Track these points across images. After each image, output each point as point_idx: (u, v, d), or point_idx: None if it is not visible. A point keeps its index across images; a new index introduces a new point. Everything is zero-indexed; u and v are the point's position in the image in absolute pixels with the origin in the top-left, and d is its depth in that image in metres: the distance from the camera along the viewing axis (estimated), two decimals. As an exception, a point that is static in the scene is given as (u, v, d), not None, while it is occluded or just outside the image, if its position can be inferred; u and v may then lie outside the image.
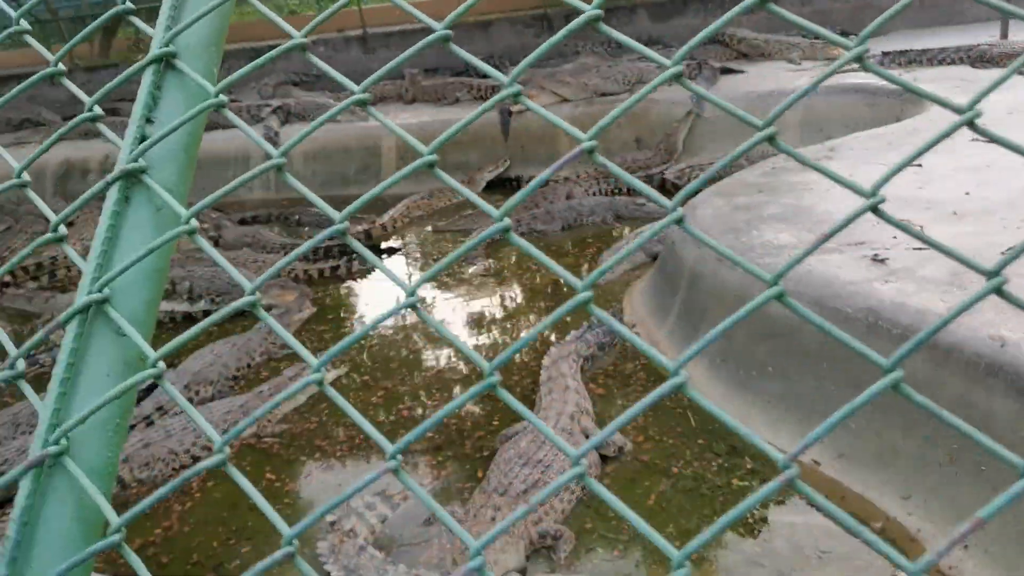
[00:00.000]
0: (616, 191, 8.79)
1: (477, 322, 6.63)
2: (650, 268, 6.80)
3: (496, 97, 1.17)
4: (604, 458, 4.73)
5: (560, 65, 11.08)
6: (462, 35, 11.34)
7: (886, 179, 0.86)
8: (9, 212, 10.11)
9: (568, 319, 6.41)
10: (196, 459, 5.10)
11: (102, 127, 1.36)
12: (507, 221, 1.05)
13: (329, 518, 4.30)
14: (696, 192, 1.18)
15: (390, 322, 6.74)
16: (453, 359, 6.05)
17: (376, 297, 7.43)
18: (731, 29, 11.16)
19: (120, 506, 4.72)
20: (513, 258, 7.73)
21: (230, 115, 1.25)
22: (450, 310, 6.88)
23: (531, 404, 5.37)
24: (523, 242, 1.08)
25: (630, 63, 10.58)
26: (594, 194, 8.78)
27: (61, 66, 1.28)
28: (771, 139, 0.94)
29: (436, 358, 6.09)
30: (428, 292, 7.17)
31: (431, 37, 1.11)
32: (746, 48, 10.72)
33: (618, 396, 5.36)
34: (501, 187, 9.21)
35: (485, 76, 11.15)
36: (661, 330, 5.81)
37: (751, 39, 10.85)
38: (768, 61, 10.19)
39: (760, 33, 11.00)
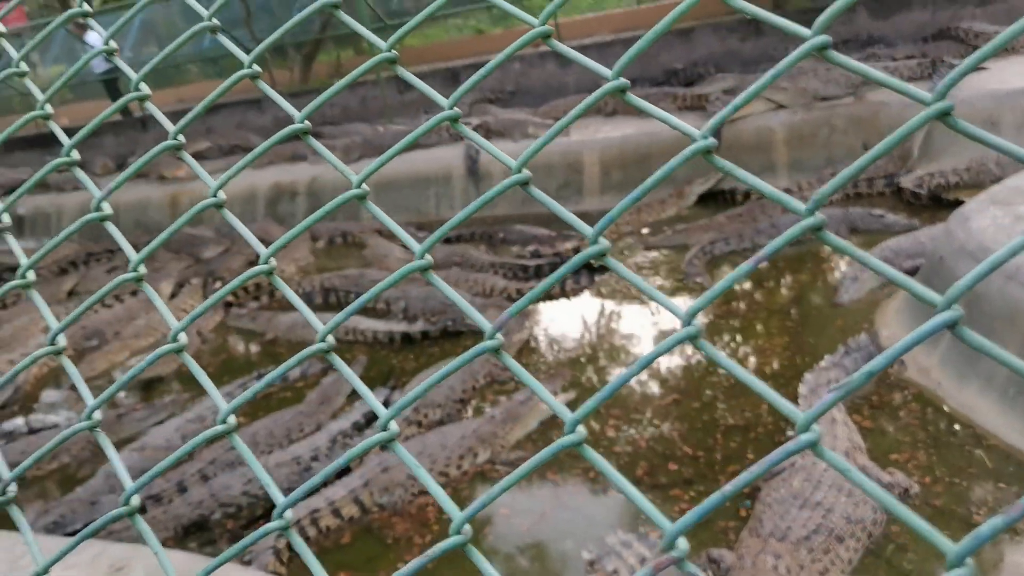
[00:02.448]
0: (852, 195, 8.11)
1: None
2: (905, 285, 6.11)
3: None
4: (890, 505, 4.17)
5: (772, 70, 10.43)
6: (659, 43, 10.92)
7: None
8: (226, 234, 10.56)
9: (812, 340, 5.85)
10: (432, 486, 4.92)
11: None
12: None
13: (587, 556, 3.98)
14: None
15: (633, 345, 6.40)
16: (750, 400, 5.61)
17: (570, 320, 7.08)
18: (966, 23, 10.15)
19: (363, 531, 4.63)
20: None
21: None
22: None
23: (784, 434, 4.87)
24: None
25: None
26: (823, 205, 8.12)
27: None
28: None
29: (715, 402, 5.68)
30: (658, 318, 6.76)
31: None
32: (983, 43, 9.67)
33: (889, 430, 4.76)
34: (713, 200, 8.69)
35: (690, 84, 10.67)
36: (931, 356, 5.13)
37: (989, 32, 9.80)
38: (1014, 56, 9.15)
39: (999, 26, 9.94)
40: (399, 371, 6.50)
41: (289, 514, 0.83)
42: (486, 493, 0.76)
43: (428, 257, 0.92)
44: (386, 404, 5.84)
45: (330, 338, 0.92)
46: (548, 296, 7.38)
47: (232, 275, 9.40)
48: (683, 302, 6.75)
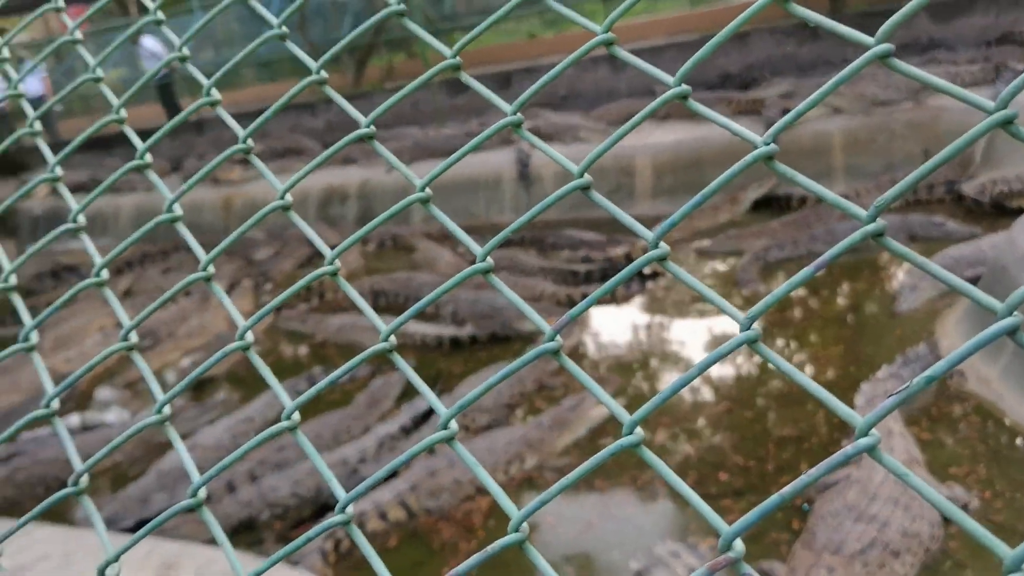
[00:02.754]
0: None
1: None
2: (964, 295, 5.97)
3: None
4: (947, 520, 4.07)
5: (829, 74, 10.30)
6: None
7: None
8: (277, 236, 10.72)
9: (868, 351, 5.75)
10: (480, 490, 4.94)
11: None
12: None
13: (635, 567, 3.96)
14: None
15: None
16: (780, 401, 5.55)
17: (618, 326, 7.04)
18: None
19: (409, 535, 4.66)
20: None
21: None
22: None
23: (838, 447, 4.78)
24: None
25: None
26: (876, 212, 7.97)
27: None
28: None
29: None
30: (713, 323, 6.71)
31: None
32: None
33: (948, 442, 4.65)
34: (768, 206, 8.58)
35: (745, 88, 10.56)
36: (992, 368, 5.01)
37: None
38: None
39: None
40: (447, 375, 6.53)
41: (351, 509, 0.85)
42: (544, 492, 0.77)
43: (489, 260, 0.93)
44: (432, 408, 5.88)
45: (392, 338, 0.94)
46: (598, 301, 7.35)
47: (283, 277, 9.55)
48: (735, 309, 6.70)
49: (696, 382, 5.80)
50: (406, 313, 0.93)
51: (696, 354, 6.21)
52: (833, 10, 11.23)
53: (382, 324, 0.95)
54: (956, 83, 7.87)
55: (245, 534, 4.96)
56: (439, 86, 13.06)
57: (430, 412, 5.83)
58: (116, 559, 0.93)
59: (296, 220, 1.09)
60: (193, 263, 10.51)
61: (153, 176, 1.23)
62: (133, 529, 5.02)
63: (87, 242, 1.26)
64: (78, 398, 7.20)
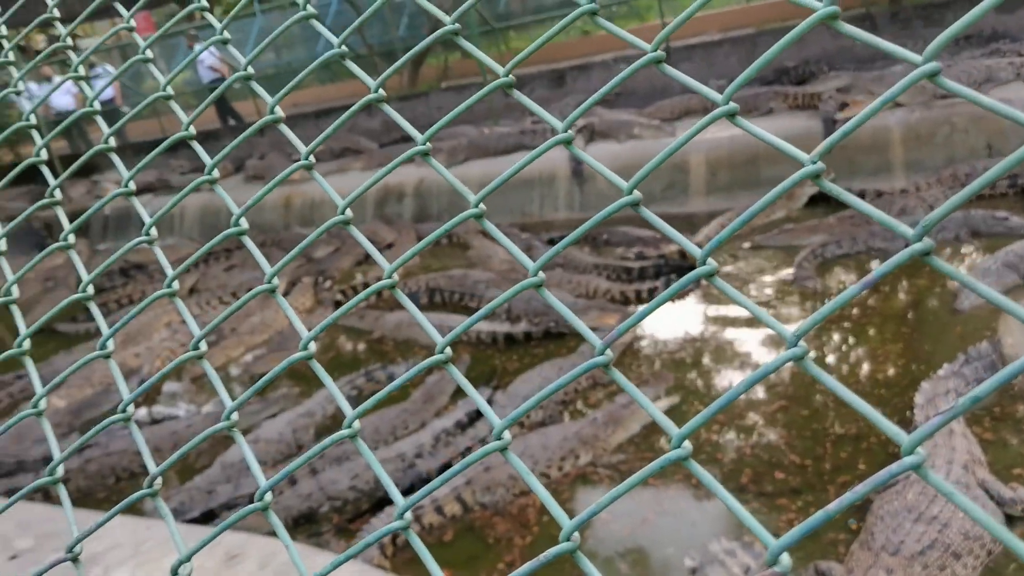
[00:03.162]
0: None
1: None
2: (1030, 290, 5.83)
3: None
4: (1010, 518, 3.99)
5: (888, 68, 10.07)
6: (770, 41, 10.68)
7: None
8: (335, 234, 10.89)
9: (927, 346, 5.64)
10: (534, 486, 4.98)
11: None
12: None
13: (690, 564, 3.96)
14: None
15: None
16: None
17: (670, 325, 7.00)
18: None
19: (464, 529, 4.73)
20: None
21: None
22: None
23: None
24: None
25: (972, 60, 9.35)
26: (931, 207, 7.79)
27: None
28: None
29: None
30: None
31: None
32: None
33: (1012, 442, 4.55)
34: (825, 201, 8.45)
35: (802, 83, 10.40)
36: (1060, 366, 4.87)
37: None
38: None
39: None
40: (502, 371, 6.59)
41: (409, 515, 0.89)
42: (595, 503, 0.80)
43: (541, 274, 0.96)
44: (488, 403, 5.93)
45: (448, 350, 0.97)
46: (652, 299, 7.32)
47: (342, 274, 9.71)
48: (791, 308, 6.63)
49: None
50: (461, 326, 0.96)
51: (751, 348, 6.15)
52: (893, 2, 10.98)
53: (439, 336, 0.98)
54: (1021, 74, 7.60)
55: (305, 526, 5.08)
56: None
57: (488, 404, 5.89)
58: (188, 559, 0.99)
59: (356, 234, 1.13)
60: (255, 261, 10.83)
61: (220, 191, 1.29)
62: (199, 519, 5.18)
63: (159, 253, 1.32)
64: (146, 392, 7.43)
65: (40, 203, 1.47)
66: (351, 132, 13.97)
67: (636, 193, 0.94)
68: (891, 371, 5.52)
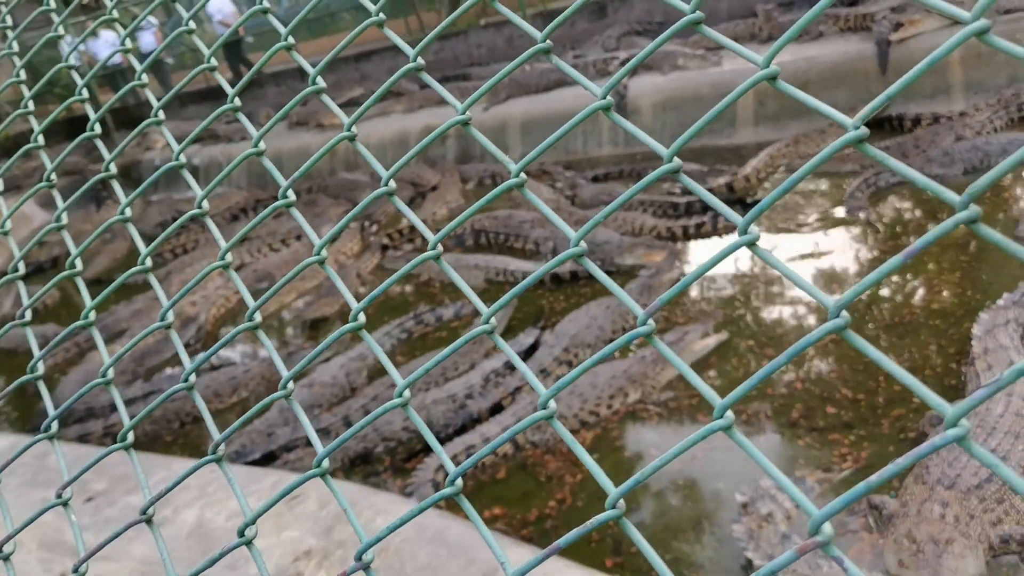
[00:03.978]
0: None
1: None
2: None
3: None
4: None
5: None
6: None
7: None
8: (380, 179, 10.93)
9: (984, 277, 5.52)
10: (584, 423, 5.06)
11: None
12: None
13: (741, 499, 4.00)
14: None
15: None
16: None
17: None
18: None
19: (517, 467, 4.82)
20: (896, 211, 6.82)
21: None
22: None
23: (957, 378, 4.66)
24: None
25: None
26: (996, 130, 7.53)
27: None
28: None
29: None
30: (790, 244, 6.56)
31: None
32: None
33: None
34: (879, 127, 8.21)
35: (854, 3, 10.02)
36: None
37: None
38: None
39: None
40: (548, 312, 6.62)
41: (459, 482, 0.92)
42: (639, 473, 0.82)
43: (583, 244, 0.97)
44: (535, 344, 6.00)
45: (493, 320, 0.99)
46: (699, 235, 7.27)
47: (388, 218, 9.77)
48: (842, 236, 6.51)
49: (802, 311, 5.71)
50: (504, 297, 0.98)
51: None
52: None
53: (484, 306, 1.00)
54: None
55: (361, 467, 5.24)
56: (533, 19, 12.89)
57: (534, 347, 5.96)
58: (253, 522, 1.04)
59: (400, 205, 1.15)
60: (303, 207, 10.74)
61: (243, 118, 1.32)
62: (259, 460, 5.37)
63: (211, 225, 1.36)
64: (204, 338, 7.65)
65: (97, 177, 1.52)
66: (392, 74, 13.89)
67: (676, 160, 0.93)
68: (949, 300, 5.43)
